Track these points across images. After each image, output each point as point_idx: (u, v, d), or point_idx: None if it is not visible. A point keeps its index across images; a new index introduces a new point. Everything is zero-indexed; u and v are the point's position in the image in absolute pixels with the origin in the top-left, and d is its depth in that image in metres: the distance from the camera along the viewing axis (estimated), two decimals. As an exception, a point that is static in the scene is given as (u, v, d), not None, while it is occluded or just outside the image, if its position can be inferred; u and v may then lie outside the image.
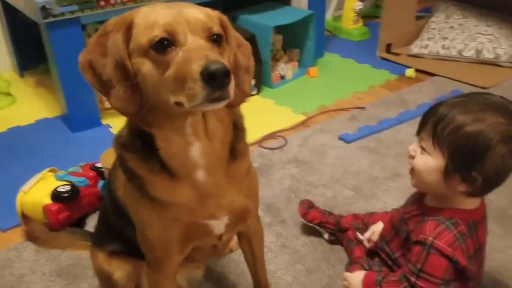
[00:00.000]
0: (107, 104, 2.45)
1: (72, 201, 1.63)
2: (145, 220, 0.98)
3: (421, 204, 1.21)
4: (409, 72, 2.76)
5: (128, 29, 0.83)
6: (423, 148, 1.11)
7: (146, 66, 0.81)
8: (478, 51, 2.80)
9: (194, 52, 0.77)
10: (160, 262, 1.03)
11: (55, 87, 2.32)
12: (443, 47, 2.90)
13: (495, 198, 1.71)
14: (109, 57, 0.83)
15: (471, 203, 1.14)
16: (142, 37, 0.81)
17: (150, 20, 0.81)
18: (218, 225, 1.00)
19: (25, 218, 1.64)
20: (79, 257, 1.54)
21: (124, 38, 0.82)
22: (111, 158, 1.71)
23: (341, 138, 2.13)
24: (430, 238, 1.09)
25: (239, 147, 0.97)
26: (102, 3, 2.15)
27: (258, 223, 1.18)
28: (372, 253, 1.41)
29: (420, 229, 1.13)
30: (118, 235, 1.18)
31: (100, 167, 1.77)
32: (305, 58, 2.85)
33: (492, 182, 1.08)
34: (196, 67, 0.75)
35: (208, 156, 0.91)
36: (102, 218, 1.28)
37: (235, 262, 1.49)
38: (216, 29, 0.84)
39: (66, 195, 1.61)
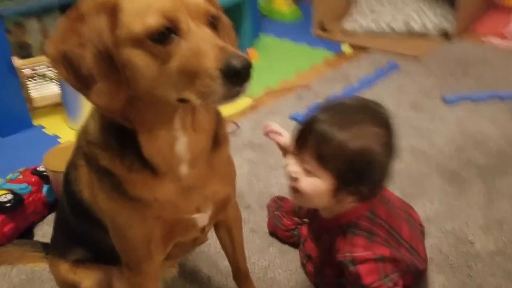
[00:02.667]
0: (36, 103, 2.26)
1: (16, 211, 1.48)
2: (123, 221, 0.89)
3: (319, 219, 1.18)
4: (345, 48, 2.81)
5: (113, 12, 0.71)
6: (307, 170, 1.03)
7: (140, 58, 0.71)
8: (406, 22, 2.90)
9: (204, 43, 0.68)
10: (141, 264, 0.95)
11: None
12: (373, 21, 2.98)
13: (447, 162, 1.79)
14: (89, 47, 0.71)
15: None
16: (134, 24, 0.70)
17: (141, 3, 0.70)
18: (202, 218, 0.94)
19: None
20: (32, 270, 1.40)
21: (109, 24, 0.70)
22: (56, 159, 1.58)
23: (292, 118, 2.11)
24: (348, 254, 1.06)
25: (221, 133, 0.91)
26: (23, -8, 1.96)
27: (237, 209, 1.13)
28: None
29: (335, 249, 1.10)
30: (83, 241, 1.08)
31: (43, 171, 1.62)
32: (242, 41, 2.80)
33: (376, 188, 1.07)
34: (213, 63, 0.66)
35: (194, 149, 0.85)
36: (60, 224, 1.16)
37: (206, 254, 1.43)
38: (214, 10, 0.75)
39: (8, 205, 1.46)
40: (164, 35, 0.70)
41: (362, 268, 1.05)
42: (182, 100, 0.72)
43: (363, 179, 1.01)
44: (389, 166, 1.04)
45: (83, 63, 0.71)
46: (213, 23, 0.75)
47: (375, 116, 1.03)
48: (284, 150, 1.29)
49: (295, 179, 1.05)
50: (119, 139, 0.81)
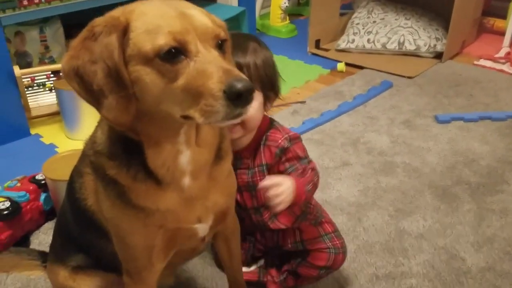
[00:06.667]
0: (35, 112, 2.27)
1: (13, 219, 1.48)
2: (127, 229, 0.91)
3: (245, 154, 1.23)
4: (340, 66, 2.86)
5: (123, 32, 0.74)
6: None
7: (149, 76, 0.74)
8: (400, 43, 2.97)
9: (210, 65, 0.72)
10: (142, 272, 0.96)
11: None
12: (368, 41, 3.04)
13: (439, 179, 1.83)
14: (100, 63, 0.74)
15: None
16: (144, 43, 0.73)
17: (152, 24, 0.74)
18: (203, 227, 0.97)
19: (-41, 242, 1.47)
20: (28, 278, 1.40)
21: (119, 42, 0.74)
22: (55, 168, 1.60)
23: (288, 132, 2.15)
24: (286, 136, 1.21)
25: (224, 147, 0.94)
26: (25, 2, 1.99)
27: (235, 220, 1.15)
28: None
29: (271, 142, 1.21)
30: (84, 247, 1.09)
31: (41, 179, 1.63)
32: (239, 56, 2.84)
33: (279, 89, 1.24)
34: (218, 84, 0.70)
35: (197, 162, 0.88)
36: (61, 231, 1.17)
37: (202, 265, 1.44)
38: (222, 34, 0.79)
39: (6, 212, 1.46)
40: (173, 55, 0.73)
41: (295, 146, 1.23)
42: (186, 117, 0.75)
43: (273, 82, 1.22)
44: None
45: (94, 79, 0.74)
46: (221, 46, 0.79)
47: (250, 37, 1.25)
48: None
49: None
50: (126, 149, 0.84)
